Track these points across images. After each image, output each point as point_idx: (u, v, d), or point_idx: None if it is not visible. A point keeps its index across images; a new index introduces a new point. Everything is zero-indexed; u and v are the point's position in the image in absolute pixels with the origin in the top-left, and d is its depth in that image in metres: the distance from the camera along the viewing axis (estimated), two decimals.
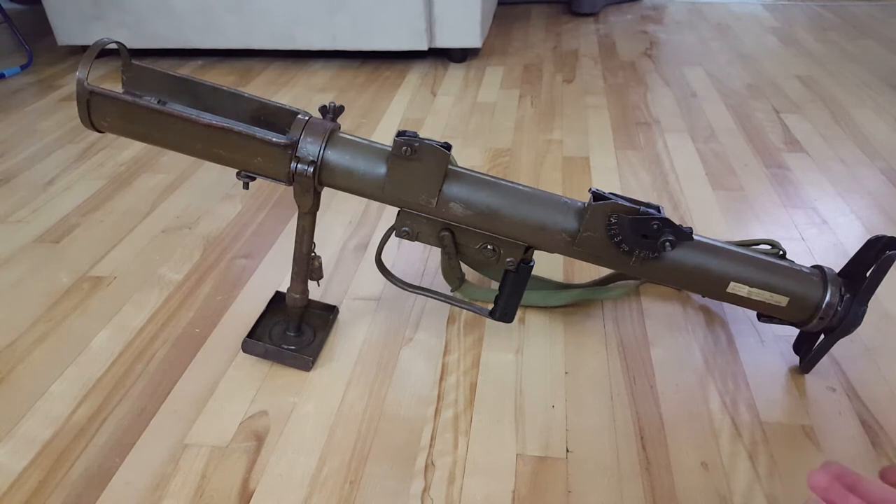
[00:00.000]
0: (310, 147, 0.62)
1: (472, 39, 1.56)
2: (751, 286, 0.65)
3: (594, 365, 0.72)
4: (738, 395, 0.68)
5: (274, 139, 0.61)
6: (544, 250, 0.66)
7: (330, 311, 0.78)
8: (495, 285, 0.82)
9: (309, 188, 0.63)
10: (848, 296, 0.65)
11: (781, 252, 0.72)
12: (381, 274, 0.73)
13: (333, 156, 0.63)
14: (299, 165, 0.62)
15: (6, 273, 0.89)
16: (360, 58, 1.68)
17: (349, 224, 0.98)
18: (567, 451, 0.62)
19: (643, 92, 1.45)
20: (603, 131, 1.26)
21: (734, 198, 1.03)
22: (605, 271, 0.85)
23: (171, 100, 0.67)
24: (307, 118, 0.63)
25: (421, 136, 0.62)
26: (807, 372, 0.70)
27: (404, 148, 0.61)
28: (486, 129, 1.28)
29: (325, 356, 0.74)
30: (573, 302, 0.80)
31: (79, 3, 1.57)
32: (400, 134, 0.61)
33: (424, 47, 1.55)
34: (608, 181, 1.09)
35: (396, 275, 0.77)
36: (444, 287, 0.83)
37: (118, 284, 0.86)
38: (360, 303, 0.82)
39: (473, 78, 1.55)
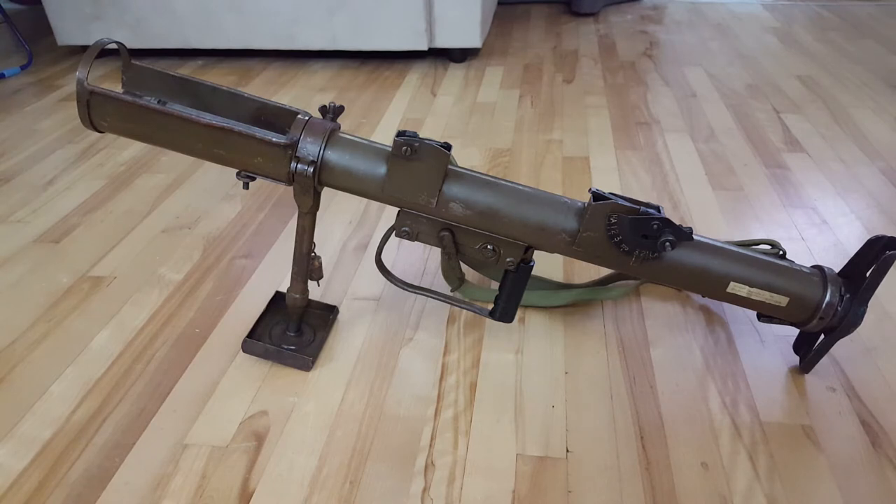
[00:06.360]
0: (310, 147, 0.62)
1: (472, 39, 1.56)
2: (751, 286, 0.65)
3: (594, 365, 0.72)
4: (738, 395, 0.68)
5: (274, 139, 0.61)
6: (544, 250, 0.66)
7: (330, 311, 0.78)
8: (495, 285, 0.82)
9: (309, 188, 0.63)
10: (848, 296, 0.64)
11: (781, 252, 0.72)
12: (381, 274, 0.73)
13: (333, 156, 0.63)
14: (299, 165, 0.62)
15: (6, 273, 0.89)
16: (360, 58, 1.68)
17: (349, 224, 0.98)
18: (567, 451, 0.62)
19: (643, 92, 1.45)
20: (603, 131, 1.26)
21: (734, 198, 1.03)
22: (605, 271, 0.85)
23: (171, 100, 0.67)
24: (307, 118, 0.63)
25: (421, 136, 0.62)
26: (807, 372, 0.70)
27: (404, 148, 0.61)
28: (486, 129, 1.28)
29: (325, 356, 0.74)
30: (573, 302, 0.80)
31: (79, 3, 1.57)
32: (400, 134, 0.61)
33: (424, 47, 1.55)
34: (608, 181, 1.09)
35: (396, 275, 0.77)
36: (444, 287, 0.83)
37: (118, 284, 0.86)
38: (360, 303, 0.82)
39: (473, 78, 1.55)
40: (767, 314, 0.68)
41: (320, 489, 0.59)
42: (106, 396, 0.69)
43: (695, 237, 0.65)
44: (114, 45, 0.64)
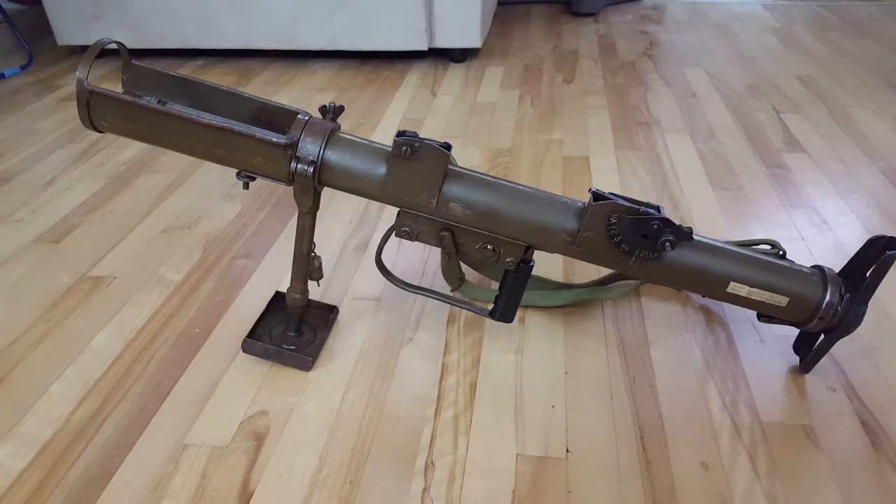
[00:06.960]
0: (310, 147, 0.62)
1: (472, 39, 1.56)
2: (751, 286, 0.65)
3: (594, 365, 0.72)
4: (738, 395, 0.68)
5: (274, 139, 0.61)
6: (544, 250, 0.66)
7: (330, 311, 0.78)
8: (495, 285, 0.82)
9: (309, 188, 0.63)
10: (848, 296, 0.64)
11: (781, 252, 0.72)
12: (381, 274, 0.73)
13: (333, 156, 0.63)
14: (299, 165, 0.62)
15: (6, 273, 0.89)
16: (360, 58, 1.68)
17: (349, 224, 0.98)
18: (567, 451, 0.62)
19: (643, 92, 1.45)
20: (603, 131, 1.26)
21: (734, 198, 1.03)
22: (605, 271, 0.85)
23: (171, 100, 0.67)
24: (307, 118, 0.63)
25: (421, 136, 0.62)
26: (807, 372, 0.70)
27: (404, 148, 0.61)
28: (486, 129, 1.28)
29: (325, 356, 0.74)
30: (573, 302, 0.80)
31: (79, 3, 1.57)
32: (400, 134, 0.61)
33: (424, 47, 1.55)
34: (608, 181, 1.09)
35: (396, 275, 0.77)
36: (444, 287, 0.83)
37: (118, 284, 0.86)
38: (360, 303, 0.82)
39: (473, 78, 1.55)
40: (767, 314, 0.68)
41: (320, 489, 0.59)
42: (106, 396, 0.69)
43: (695, 237, 0.65)
44: (114, 45, 0.64)
